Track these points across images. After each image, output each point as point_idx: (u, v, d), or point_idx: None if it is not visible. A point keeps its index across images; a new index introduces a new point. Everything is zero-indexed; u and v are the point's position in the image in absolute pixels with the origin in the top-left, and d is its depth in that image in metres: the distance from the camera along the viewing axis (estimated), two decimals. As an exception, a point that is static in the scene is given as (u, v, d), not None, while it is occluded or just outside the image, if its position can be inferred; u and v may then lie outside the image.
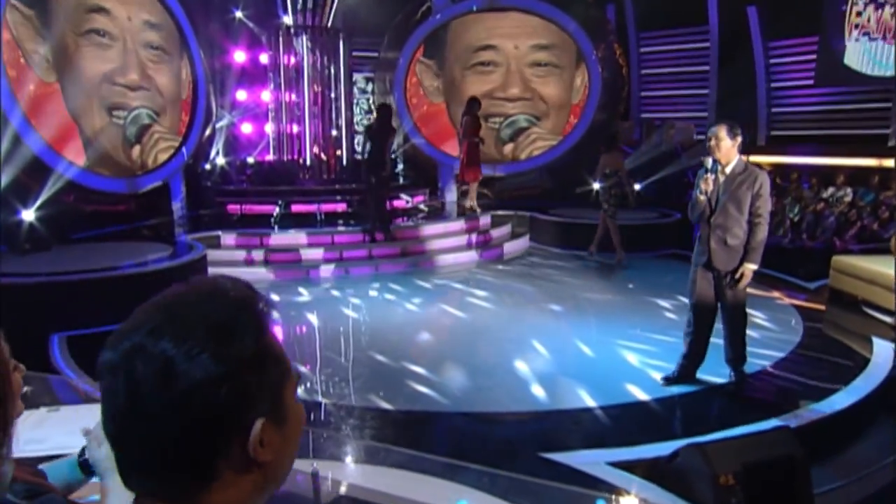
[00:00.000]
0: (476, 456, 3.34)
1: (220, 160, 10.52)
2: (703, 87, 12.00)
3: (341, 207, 9.40)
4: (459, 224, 9.31)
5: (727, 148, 4.22)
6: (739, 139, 4.25)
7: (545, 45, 12.04)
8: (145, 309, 0.69)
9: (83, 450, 1.32)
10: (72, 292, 5.79)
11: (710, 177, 4.24)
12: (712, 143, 4.24)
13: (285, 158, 10.32)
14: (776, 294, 7.28)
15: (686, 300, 6.89)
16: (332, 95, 10.36)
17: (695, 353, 4.59)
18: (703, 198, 4.30)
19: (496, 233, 9.46)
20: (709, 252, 4.36)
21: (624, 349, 5.40)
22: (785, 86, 11.25)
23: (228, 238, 8.13)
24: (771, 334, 5.87)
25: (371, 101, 12.99)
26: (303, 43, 10.30)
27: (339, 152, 10.41)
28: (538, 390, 4.60)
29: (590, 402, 4.38)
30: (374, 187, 8.27)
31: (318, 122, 10.24)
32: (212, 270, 7.34)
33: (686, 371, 4.62)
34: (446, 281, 7.84)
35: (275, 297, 6.92)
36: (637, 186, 10.96)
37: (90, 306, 5.73)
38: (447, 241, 8.88)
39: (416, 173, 11.90)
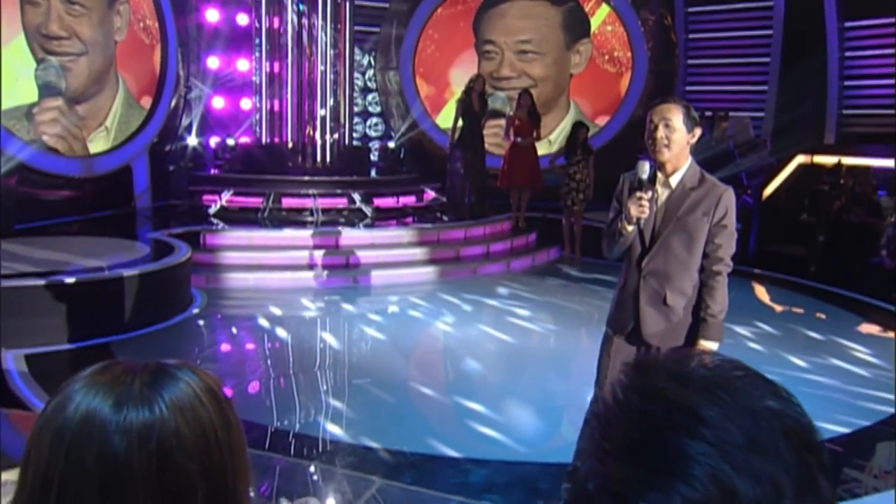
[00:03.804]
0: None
1: (192, 140, 10.13)
2: (764, 74, 11.86)
3: (342, 203, 9.08)
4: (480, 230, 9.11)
5: (681, 144, 2.90)
6: (698, 132, 2.96)
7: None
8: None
9: None
10: (21, 300, 5.38)
11: (647, 195, 2.88)
12: (659, 133, 2.87)
13: (273, 141, 9.93)
14: (875, 327, 7.11)
15: (770, 328, 6.85)
16: (331, 68, 10.01)
17: None
18: (631, 228, 2.96)
19: (524, 240, 9.35)
20: (636, 314, 3.02)
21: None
22: (862, 73, 11.17)
23: (209, 236, 7.76)
24: (883, 372, 5.70)
25: (368, 78, 12.67)
26: (295, 2, 9.94)
27: (336, 136, 10.08)
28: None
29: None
30: (468, 165, 8.98)
31: (312, 100, 9.88)
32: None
33: None
34: (475, 296, 7.55)
35: (275, 311, 6.62)
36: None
37: (44, 318, 5.38)
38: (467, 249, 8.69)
39: (423, 165, 11.56)
